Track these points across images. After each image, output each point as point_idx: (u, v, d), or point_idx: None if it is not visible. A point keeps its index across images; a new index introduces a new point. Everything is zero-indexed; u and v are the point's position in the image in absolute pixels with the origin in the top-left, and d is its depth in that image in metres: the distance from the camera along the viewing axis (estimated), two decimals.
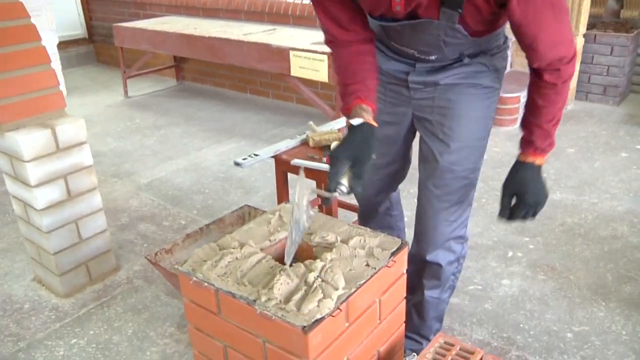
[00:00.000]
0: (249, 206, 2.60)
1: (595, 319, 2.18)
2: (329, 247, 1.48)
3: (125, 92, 5.36)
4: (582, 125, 4.20)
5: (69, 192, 2.34)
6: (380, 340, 1.47)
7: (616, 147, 3.77)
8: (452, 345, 1.48)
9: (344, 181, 1.34)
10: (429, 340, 1.95)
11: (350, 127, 1.41)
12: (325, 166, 2.31)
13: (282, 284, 1.29)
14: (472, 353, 1.45)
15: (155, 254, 2.34)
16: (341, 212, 2.78)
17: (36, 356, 2.12)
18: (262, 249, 1.47)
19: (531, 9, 1.27)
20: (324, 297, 1.24)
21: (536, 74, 1.43)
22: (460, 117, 1.61)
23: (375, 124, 1.42)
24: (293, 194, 1.38)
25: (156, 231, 2.98)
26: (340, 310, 1.25)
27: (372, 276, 1.34)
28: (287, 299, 1.25)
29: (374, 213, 2.02)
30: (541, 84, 1.43)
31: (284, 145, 2.51)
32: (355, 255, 1.41)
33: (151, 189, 3.46)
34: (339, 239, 1.48)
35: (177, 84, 5.78)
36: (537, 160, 1.51)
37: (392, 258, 1.40)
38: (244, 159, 2.41)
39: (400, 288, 1.50)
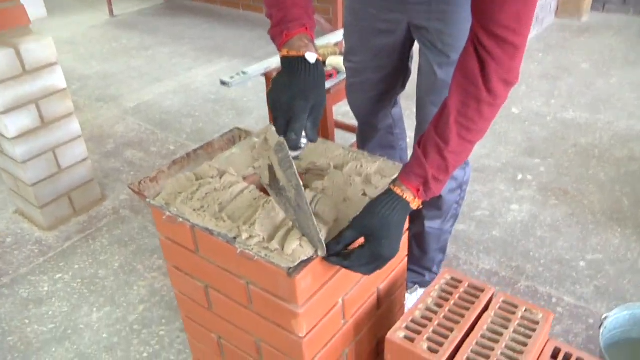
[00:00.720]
0: (239, 129, 2.38)
1: (610, 247, 2.03)
2: (321, 174, 1.30)
3: (111, 10, 5.02)
4: (598, 38, 3.91)
5: (42, 119, 2.14)
6: (379, 277, 1.32)
7: (635, 61, 3.51)
8: (460, 282, 1.33)
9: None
10: (432, 271, 1.82)
11: (299, 64, 1.06)
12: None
13: (266, 219, 1.13)
14: (481, 290, 1.30)
15: (139, 183, 2.16)
16: (338, 133, 2.58)
17: (20, 292, 2.01)
18: (244, 178, 1.30)
19: None
20: (314, 234, 1.07)
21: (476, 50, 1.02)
22: (461, 23, 1.38)
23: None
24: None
25: (144, 158, 2.80)
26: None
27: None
28: (272, 236, 1.09)
29: (374, 131, 1.83)
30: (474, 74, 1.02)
31: (275, 61, 2.28)
32: (351, 184, 1.23)
33: (138, 113, 3.25)
34: (332, 164, 1.30)
35: (166, 1, 5.42)
36: (414, 201, 1.07)
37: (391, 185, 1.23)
38: (231, 78, 2.19)
39: None
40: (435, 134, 1.05)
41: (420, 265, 1.81)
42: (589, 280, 1.89)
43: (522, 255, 2.02)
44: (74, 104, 2.27)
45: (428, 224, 1.70)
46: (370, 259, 1.05)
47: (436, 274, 1.84)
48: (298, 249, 1.05)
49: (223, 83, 2.19)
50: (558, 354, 1.23)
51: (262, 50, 4.00)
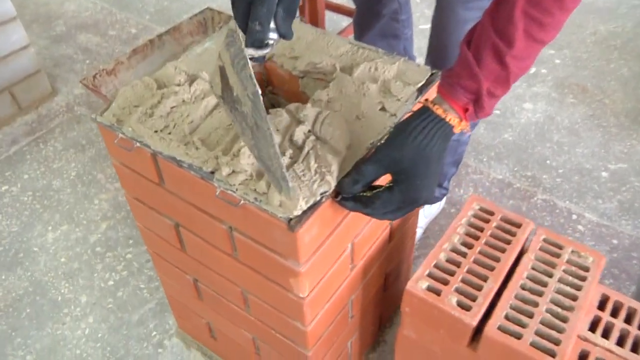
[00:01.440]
0: (211, 10, 1.99)
1: (635, 154, 1.79)
2: (324, 79, 0.98)
3: None
4: None
5: None
6: None
7: None
8: (491, 213, 1.07)
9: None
10: (442, 187, 1.56)
11: None
12: None
13: (256, 147, 0.82)
14: (518, 226, 1.05)
15: (94, 77, 1.81)
16: (328, 15, 2.19)
17: None
18: None
19: None
20: (321, 168, 0.78)
21: None
22: None
23: None
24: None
25: (100, 43, 2.38)
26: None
27: (390, 131, 0.87)
28: (262, 172, 0.79)
29: (376, 18, 1.49)
30: None
31: None
32: (364, 93, 0.92)
33: None
34: (338, 66, 0.97)
35: None
36: (459, 124, 0.77)
37: (419, 98, 0.92)
38: None
39: None
40: (493, 32, 0.72)
41: None
42: (612, 194, 1.67)
43: (537, 163, 1.77)
44: None
45: None
46: (401, 204, 0.77)
47: (447, 190, 1.59)
48: (305, 188, 0.76)
49: None
50: (606, 301, 1.01)
51: None
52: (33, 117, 2.01)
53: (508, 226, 1.06)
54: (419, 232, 1.57)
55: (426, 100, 0.77)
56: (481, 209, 1.09)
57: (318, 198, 0.76)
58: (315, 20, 1.96)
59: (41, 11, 2.57)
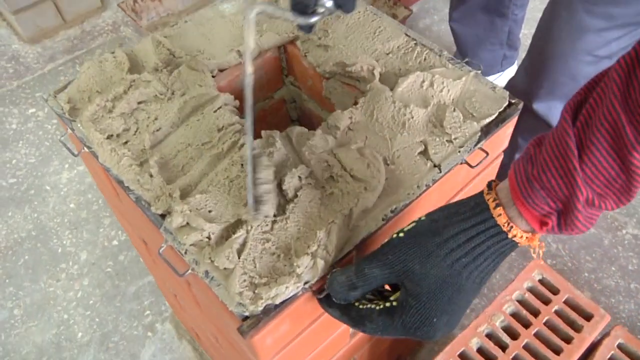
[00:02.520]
0: None
1: None
2: (357, 86, 0.71)
3: None
4: None
5: None
6: None
7: None
8: (555, 291, 0.79)
9: None
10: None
11: None
12: None
13: (233, 184, 0.58)
14: (588, 318, 0.77)
15: (134, 2, 1.59)
16: None
17: None
18: (220, 71, 0.72)
19: None
20: (306, 241, 0.53)
21: None
22: None
23: None
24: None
25: None
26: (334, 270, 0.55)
27: (424, 191, 0.59)
28: (226, 235, 0.55)
29: None
30: None
31: None
32: (405, 123, 0.64)
33: None
34: (378, 72, 0.68)
35: None
36: (529, 240, 0.47)
37: (481, 143, 0.63)
38: None
39: (482, 181, 0.76)
40: (621, 107, 0.40)
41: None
42: None
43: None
44: None
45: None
46: (402, 334, 0.51)
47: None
48: (271, 272, 0.51)
49: None
50: None
51: None
52: (76, 33, 1.82)
53: (574, 315, 0.77)
54: None
55: (489, 189, 0.48)
56: (543, 282, 0.80)
57: (296, 290, 0.52)
58: None
59: None
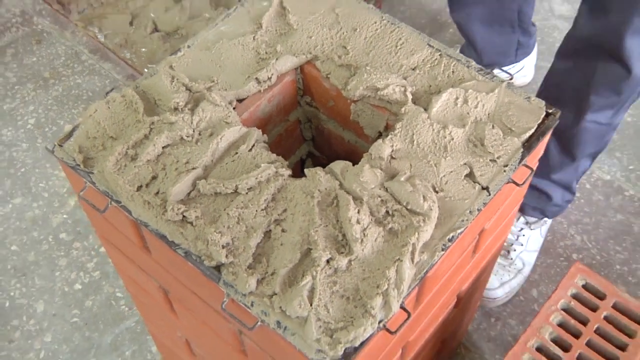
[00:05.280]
0: None
1: None
2: (388, 108, 0.86)
3: None
4: None
5: None
6: (465, 279, 0.98)
7: None
8: (602, 296, 0.98)
9: None
10: (570, 190, 1.46)
11: None
12: None
13: (285, 229, 0.73)
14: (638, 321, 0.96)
15: None
16: None
17: None
18: (239, 102, 0.86)
19: None
20: (375, 283, 0.69)
21: None
22: None
23: None
24: None
25: None
26: (408, 312, 0.71)
27: (479, 213, 0.76)
28: (292, 280, 0.70)
29: None
30: None
31: None
32: (446, 147, 0.80)
33: None
34: (410, 93, 0.84)
35: None
36: None
37: (525, 159, 0.80)
38: None
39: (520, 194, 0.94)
40: None
41: (555, 179, 1.44)
42: None
43: None
44: None
45: (592, 116, 1.31)
46: None
47: (573, 195, 1.49)
48: (344, 316, 0.67)
49: None
50: None
51: None
52: None
53: (625, 320, 0.97)
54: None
55: None
56: (587, 287, 1.00)
57: (372, 331, 0.67)
58: None
59: None
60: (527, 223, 1.48)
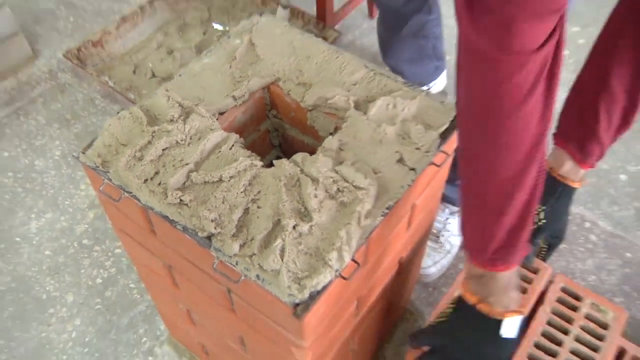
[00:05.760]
0: None
1: None
2: (336, 114, 0.89)
3: None
4: None
5: None
6: (405, 247, 1.00)
7: None
8: (579, 299, 1.00)
9: None
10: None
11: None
12: None
13: (263, 204, 0.75)
14: (534, 272, 1.00)
15: (78, 50, 1.70)
16: None
17: None
18: (220, 115, 0.88)
19: None
20: (331, 242, 0.71)
21: None
22: None
23: None
24: None
25: None
26: (357, 263, 0.73)
27: (409, 188, 0.79)
28: (267, 242, 0.72)
29: (403, 17, 1.47)
30: None
31: None
32: (381, 140, 0.83)
33: None
34: (352, 102, 0.88)
35: None
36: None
37: (442, 144, 0.84)
38: None
39: (443, 173, 0.97)
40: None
41: None
42: (630, 201, 1.61)
43: None
44: None
45: None
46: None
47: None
48: (309, 267, 0.69)
49: None
50: (623, 353, 0.98)
51: None
52: (12, 84, 1.88)
53: (524, 271, 1.01)
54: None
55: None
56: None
57: (331, 278, 0.70)
58: (323, 14, 1.83)
59: None
60: (451, 213, 1.52)
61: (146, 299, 1.41)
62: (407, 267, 1.12)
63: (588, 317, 0.96)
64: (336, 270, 0.70)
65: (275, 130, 1.03)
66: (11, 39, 1.86)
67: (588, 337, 0.94)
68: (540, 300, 0.99)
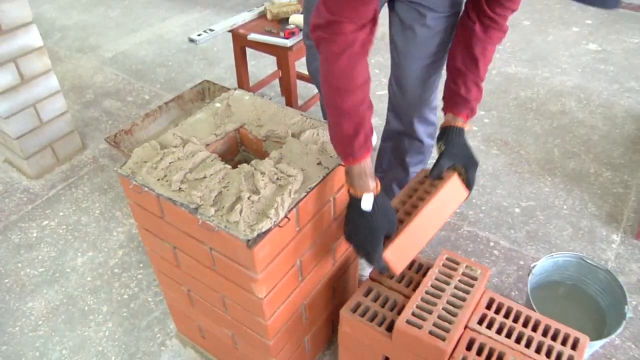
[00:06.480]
0: (208, 81, 2.24)
1: (541, 195, 2.01)
2: (280, 141, 1.20)
3: None
4: None
5: (22, 76, 1.95)
6: (333, 236, 1.26)
7: (569, 21, 3.39)
8: (458, 263, 1.26)
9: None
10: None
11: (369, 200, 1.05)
12: (282, 41, 1.95)
13: (227, 189, 1.04)
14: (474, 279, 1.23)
15: (115, 136, 2.03)
16: (300, 84, 2.45)
17: (12, 237, 1.90)
18: (207, 145, 1.19)
19: None
20: (271, 205, 0.99)
21: (485, 30, 1.18)
22: None
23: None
24: None
25: (121, 107, 2.62)
26: (289, 219, 1.01)
27: (323, 178, 1.08)
28: (231, 207, 1.00)
29: None
30: (490, 39, 1.19)
31: (241, 18, 2.11)
32: (307, 152, 1.14)
33: (115, 63, 3.03)
34: (290, 132, 1.20)
35: None
36: (467, 127, 1.24)
37: None
38: (198, 35, 2.02)
39: None
40: (472, 77, 1.20)
41: None
42: (522, 226, 1.88)
43: (465, 202, 1.98)
44: (55, 54, 2.10)
45: (412, 169, 1.65)
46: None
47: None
48: (260, 217, 0.97)
49: (191, 40, 2.02)
50: (492, 303, 1.21)
51: (232, 1, 3.72)
52: (67, 167, 2.22)
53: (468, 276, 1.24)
54: None
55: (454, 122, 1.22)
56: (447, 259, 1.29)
57: (269, 226, 0.97)
58: (288, 92, 2.20)
59: (76, 82, 2.82)
60: None
61: (160, 308, 1.63)
62: (345, 266, 1.36)
63: (463, 274, 1.21)
64: (274, 221, 0.98)
65: (245, 160, 1.33)
66: (69, 135, 2.22)
67: (463, 286, 1.18)
68: (431, 267, 1.24)
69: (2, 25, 1.83)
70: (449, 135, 1.21)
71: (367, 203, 1.03)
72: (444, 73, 1.34)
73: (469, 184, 1.23)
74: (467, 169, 1.22)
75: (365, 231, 1.04)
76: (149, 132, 2.18)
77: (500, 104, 2.55)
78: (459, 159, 1.21)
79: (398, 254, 1.08)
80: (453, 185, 1.20)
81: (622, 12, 3.51)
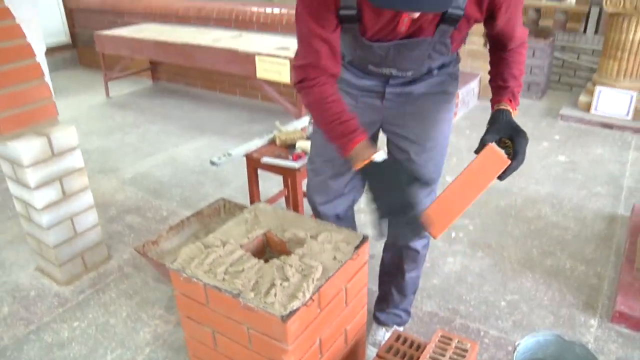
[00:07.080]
0: (223, 199, 2.61)
1: (524, 289, 2.29)
2: (300, 242, 1.51)
3: (107, 92, 5.21)
4: None
5: (64, 192, 2.30)
6: (346, 320, 1.53)
7: (539, 137, 3.91)
8: (450, 339, 1.52)
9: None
10: (408, 312, 2.01)
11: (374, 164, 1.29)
12: (291, 164, 2.34)
13: (263, 278, 1.33)
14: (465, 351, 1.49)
15: (143, 246, 2.33)
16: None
17: (45, 337, 2.10)
18: (241, 246, 1.50)
19: (512, 12, 1.33)
20: (299, 289, 1.28)
21: (508, 51, 1.45)
22: (432, 121, 1.59)
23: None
24: None
25: (141, 222, 2.95)
26: (313, 300, 1.30)
27: (339, 269, 1.39)
28: (267, 292, 1.29)
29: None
30: (514, 53, 1.44)
31: (254, 144, 2.52)
32: (324, 250, 1.45)
33: (135, 183, 3.41)
34: (308, 234, 1.52)
35: (153, 84, 5.65)
36: (512, 108, 1.39)
37: (355, 251, 1.45)
38: (219, 159, 2.41)
39: (363, 276, 1.56)
40: (508, 71, 1.43)
41: (400, 307, 1.98)
42: (509, 316, 2.13)
43: (456, 299, 2.25)
44: None
45: (408, 275, 1.86)
46: (524, 147, 1.31)
47: (409, 314, 2.03)
48: (291, 299, 1.25)
49: (212, 163, 2.40)
50: None
51: (238, 129, 4.22)
52: (95, 275, 2.48)
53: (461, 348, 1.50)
54: None
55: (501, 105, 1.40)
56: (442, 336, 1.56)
57: (298, 305, 1.25)
58: (296, 208, 2.56)
59: (99, 200, 3.16)
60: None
61: None
62: (353, 337, 1.61)
63: (456, 347, 1.46)
64: (302, 301, 1.26)
65: (272, 258, 1.63)
66: (97, 246, 2.52)
67: (456, 357, 1.43)
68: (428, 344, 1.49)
69: (54, 150, 2.21)
70: (493, 116, 1.36)
71: (379, 156, 1.27)
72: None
73: (516, 153, 1.28)
74: (513, 139, 1.29)
75: (389, 176, 1.23)
76: (172, 243, 2.49)
77: (483, 212, 2.92)
78: (503, 132, 1.30)
79: (437, 216, 1.20)
80: (488, 153, 1.26)
81: (584, 128, 4.06)
